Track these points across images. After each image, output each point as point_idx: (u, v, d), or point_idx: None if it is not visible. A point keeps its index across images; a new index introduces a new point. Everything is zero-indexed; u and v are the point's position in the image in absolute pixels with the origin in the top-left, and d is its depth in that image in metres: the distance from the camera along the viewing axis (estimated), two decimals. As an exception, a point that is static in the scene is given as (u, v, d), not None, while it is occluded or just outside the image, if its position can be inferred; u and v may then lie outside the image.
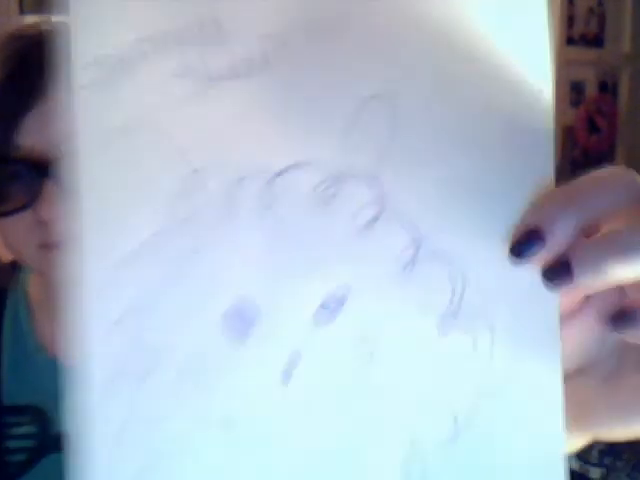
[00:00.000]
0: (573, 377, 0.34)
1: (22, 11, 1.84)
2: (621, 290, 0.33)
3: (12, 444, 0.66)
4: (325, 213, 0.31)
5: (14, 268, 0.73)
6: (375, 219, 0.31)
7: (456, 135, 0.32)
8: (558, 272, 0.30)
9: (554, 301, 0.32)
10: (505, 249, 0.31)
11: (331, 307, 0.31)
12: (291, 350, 0.31)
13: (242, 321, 0.31)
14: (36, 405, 0.66)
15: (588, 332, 0.35)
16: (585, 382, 0.35)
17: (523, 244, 0.31)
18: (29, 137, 0.59)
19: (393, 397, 0.32)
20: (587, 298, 0.35)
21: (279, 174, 0.31)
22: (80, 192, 0.31)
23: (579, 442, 0.36)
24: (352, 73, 0.32)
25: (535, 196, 0.32)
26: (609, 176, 0.31)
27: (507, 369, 0.32)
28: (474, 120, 0.32)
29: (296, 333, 0.31)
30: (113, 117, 0.31)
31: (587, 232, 0.31)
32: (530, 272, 0.32)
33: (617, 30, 2.29)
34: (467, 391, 0.32)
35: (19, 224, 0.61)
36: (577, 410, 0.33)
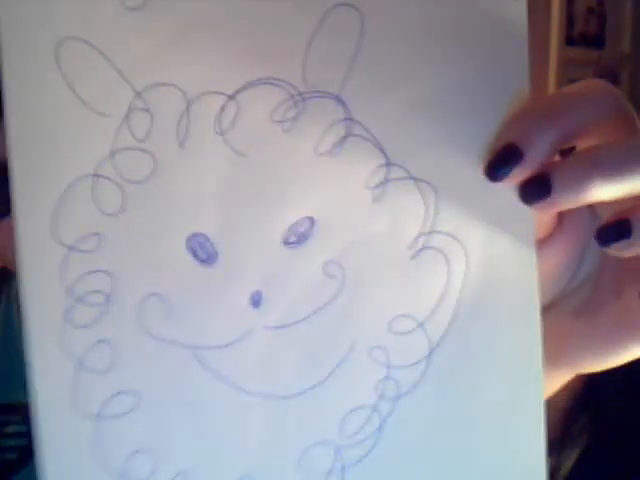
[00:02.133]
0: (546, 309, 0.34)
1: None
2: (592, 214, 0.32)
3: (3, 443, 0.66)
4: (287, 137, 0.31)
5: (3, 271, 0.74)
6: (341, 142, 0.31)
7: (426, 50, 0.31)
8: (536, 189, 0.30)
9: (530, 222, 0.32)
10: (480, 168, 0.31)
11: (299, 232, 0.31)
12: (259, 275, 0.31)
13: (205, 249, 0.30)
14: (27, 403, 0.66)
15: (561, 260, 0.34)
16: (558, 314, 0.34)
17: (499, 161, 0.30)
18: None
19: (365, 320, 0.32)
20: (559, 225, 0.34)
21: (234, 95, 0.30)
22: (15, 123, 0.29)
23: (556, 380, 0.35)
24: None
25: (511, 112, 0.31)
26: (588, 89, 0.31)
27: (482, 292, 0.32)
28: (444, 34, 0.31)
29: (264, 259, 0.31)
30: (43, 33, 0.29)
31: (563, 149, 0.31)
32: (505, 192, 0.31)
33: (617, 30, 2.28)
34: (441, 314, 0.32)
35: (2, 229, 0.61)
36: (551, 344, 0.33)
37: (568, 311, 0.35)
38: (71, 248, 0.29)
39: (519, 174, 0.30)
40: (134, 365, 0.30)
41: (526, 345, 0.33)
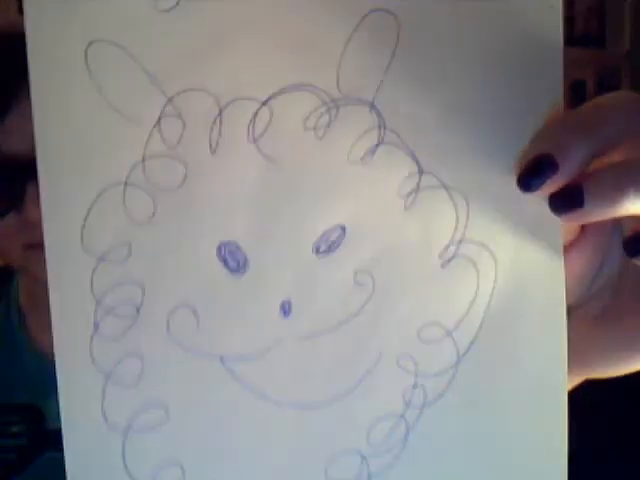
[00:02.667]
0: (566, 313, 0.34)
1: (22, 11, 1.84)
2: (614, 220, 0.32)
3: (4, 443, 0.66)
4: (320, 144, 0.30)
5: (4, 270, 0.74)
6: (374, 148, 0.31)
7: (461, 59, 0.30)
8: (568, 200, 0.29)
9: (557, 232, 0.32)
10: (511, 177, 0.30)
11: (330, 240, 0.30)
12: (290, 283, 0.30)
13: (236, 257, 0.30)
14: (27, 403, 0.66)
15: (583, 265, 0.34)
16: (578, 318, 0.34)
17: (533, 172, 0.30)
18: (10, 139, 0.59)
19: (394, 328, 0.31)
20: (581, 231, 0.34)
21: (267, 101, 0.30)
22: (43, 129, 0.29)
23: (570, 383, 0.35)
24: None
25: (545, 121, 0.30)
26: (622, 101, 0.30)
27: (510, 301, 0.32)
28: (480, 41, 0.30)
29: (294, 267, 0.30)
30: (72, 35, 0.28)
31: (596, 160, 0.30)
32: (534, 201, 0.31)
33: (617, 30, 2.28)
34: (469, 323, 0.32)
35: (4, 226, 0.61)
36: (570, 348, 0.33)
37: (588, 316, 0.35)
38: (101, 259, 0.29)
39: (552, 185, 0.30)
40: (163, 377, 0.30)
41: (552, 355, 0.32)
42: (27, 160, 0.58)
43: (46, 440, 0.65)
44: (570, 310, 0.34)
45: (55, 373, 0.67)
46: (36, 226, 0.59)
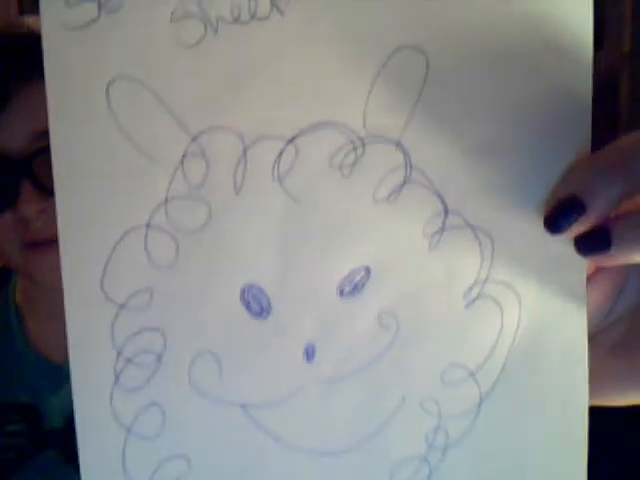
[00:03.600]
0: None
1: (22, 11, 1.83)
2: None
3: (2, 442, 0.66)
4: (345, 183, 0.29)
5: (1, 271, 0.74)
6: (400, 187, 0.30)
7: (488, 97, 0.30)
8: (596, 244, 0.29)
9: (582, 272, 0.31)
10: (537, 217, 0.30)
11: (355, 282, 0.30)
12: (313, 327, 0.30)
13: (259, 301, 0.29)
14: (25, 403, 0.66)
15: (600, 298, 0.34)
16: (594, 349, 0.34)
17: (561, 213, 0.29)
18: (4, 137, 0.59)
19: (417, 371, 0.31)
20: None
21: (292, 139, 0.29)
22: (62, 168, 0.28)
23: None
24: (380, 20, 0.29)
25: (573, 163, 0.30)
26: None
27: (533, 341, 0.32)
28: (509, 82, 0.30)
29: (318, 310, 0.30)
30: (93, 71, 0.28)
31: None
32: (560, 241, 0.30)
33: (617, 30, 2.28)
34: (492, 363, 0.31)
35: (0, 224, 0.61)
36: None
37: (603, 346, 0.34)
38: (122, 306, 0.28)
39: (579, 226, 0.29)
40: (185, 428, 0.29)
41: (574, 395, 0.32)
42: (21, 158, 0.58)
43: (44, 439, 0.66)
44: (588, 339, 0.34)
45: (53, 373, 0.67)
46: (31, 224, 0.59)
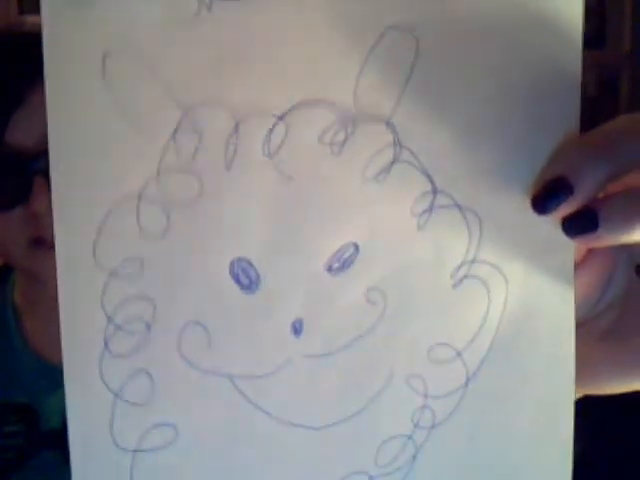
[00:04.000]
0: None
1: (22, 11, 1.83)
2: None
3: (0, 443, 0.66)
4: (335, 160, 0.30)
5: (1, 270, 0.74)
6: (389, 166, 0.30)
7: (478, 79, 0.30)
8: (582, 223, 0.29)
9: (569, 253, 0.32)
10: (526, 199, 0.30)
11: (343, 258, 0.30)
12: (301, 302, 0.30)
13: (248, 274, 0.29)
14: (23, 403, 0.66)
15: (590, 284, 0.34)
16: (583, 336, 0.34)
17: (548, 194, 0.29)
18: (18, 134, 0.60)
19: (404, 348, 0.31)
20: (589, 250, 0.34)
21: (283, 116, 0.29)
22: (57, 139, 0.28)
23: None
24: (371, 1, 0.29)
25: (560, 144, 0.30)
26: (633, 125, 0.30)
27: (519, 322, 0.32)
28: (498, 63, 0.30)
29: (306, 285, 0.30)
30: (88, 44, 0.28)
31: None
32: (547, 223, 0.31)
33: (617, 30, 2.28)
34: (479, 343, 0.31)
35: (9, 220, 0.61)
36: (576, 365, 0.33)
37: (594, 333, 0.35)
38: (113, 274, 0.29)
39: (566, 208, 0.29)
40: (173, 396, 0.29)
41: (560, 376, 0.32)
42: (35, 154, 0.59)
43: (42, 440, 0.66)
44: (576, 327, 0.34)
45: (51, 373, 0.67)
46: (42, 220, 0.60)
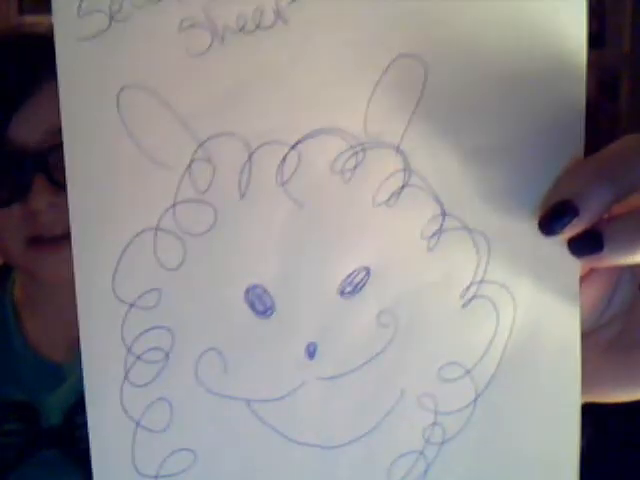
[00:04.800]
0: None
1: (22, 11, 1.83)
2: None
3: (0, 441, 0.66)
4: (346, 187, 0.30)
5: (1, 268, 0.74)
6: (399, 191, 0.31)
7: (485, 104, 0.31)
8: (588, 246, 0.30)
9: (575, 272, 0.32)
10: (532, 220, 0.31)
11: (355, 282, 0.31)
12: (315, 326, 0.31)
13: (263, 300, 0.30)
14: (23, 401, 0.66)
15: (595, 297, 0.35)
16: (589, 346, 0.34)
17: (555, 216, 0.30)
18: (20, 131, 0.60)
19: (415, 368, 0.32)
20: None
21: (296, 145, 0.30)
22: (75, 175, 0.29)
23: None
24: (381, 28, 0.30)
25: (566, 167, 0.31)
26: (638, 146, 0.31)
27: (527, 340, 0.33)
28: (506, 90, 0.31)
29: (320, 310, 0.31)
30: (104, 80, 0.28)
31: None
32: (554, 242, 0.31)
33: (617, 30, 2.28)
34: (488, 361, 0.32)
35: (7, 217, 0.61)
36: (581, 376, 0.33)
37: (598, 344, 0.35)
38: (132, 305, 0.29)
39: (572, 229, 0.30)
40: (192, 422, 0.30)
41: (567, 393, 0.33)
42: (37, 152, 0.59)
43: (42, 438, 0.66)
44: (582, 338, 0.34)
45: (51, 372, 0.67)
46: (40, 218, 0.60)
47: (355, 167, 0.30)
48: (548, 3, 0.30)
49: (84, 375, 0.29)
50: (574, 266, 0.32)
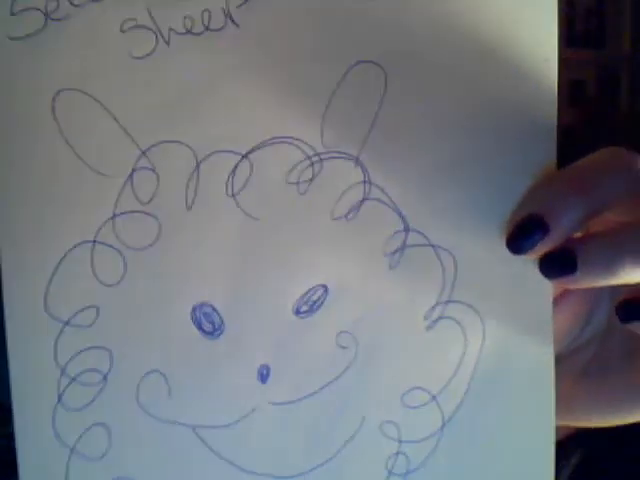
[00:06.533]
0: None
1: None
2: None
3: (1, 443, 0.65)
4: (302, 199, 0.29)
5: None
6: (359, 204, 0.29)
7: (450, 114, 0.29)
8: (560, 267, 0.28)
9: (548, 291, 0.30)
10: (501, 237, 0.29)
11: (311, 300, 0.29)
12: (268, 347, 0.29)
13: (211, 320, 0.28)
14: (7, 404, 0.65)
15: (571, 318, 0.33)
16: (565, 370, 0.33)
17: (523, 233, 0.28)
18: None
19: (377, 394, 0.30)
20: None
21: (248, 154, 0.28)
22: (7, 182, 0.27)
23: None
24: (339, 34, 0.28)
25: (536, 180, 0.29)
26: (618, 158, 0.29)
27: (497, 364, 0.31)
28: (470, 100, 0.29)
29: (273, 330, 0.29)
30: (39, 83, 0.27)
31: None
32: (524, 262, 0.29)
33: (617, 30, 2.27)
34: (455, 386, 0.30)
35: None
36: (556, 399, 0.31)
37: (574, 368, 0.34)
38: (67, 323, 0.27)
39: (543, 247, 0.28)
40: (132, 449, 0.28)
41: (539, 419, 0.31)
42: None
43: None
44: (557, 361, 0.33)
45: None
46: None
47: (312, 179, 0.28)
48: (516, 7, 0.28)
49: (12, 398, 0.27)
50: (547, 286, 0.30)
